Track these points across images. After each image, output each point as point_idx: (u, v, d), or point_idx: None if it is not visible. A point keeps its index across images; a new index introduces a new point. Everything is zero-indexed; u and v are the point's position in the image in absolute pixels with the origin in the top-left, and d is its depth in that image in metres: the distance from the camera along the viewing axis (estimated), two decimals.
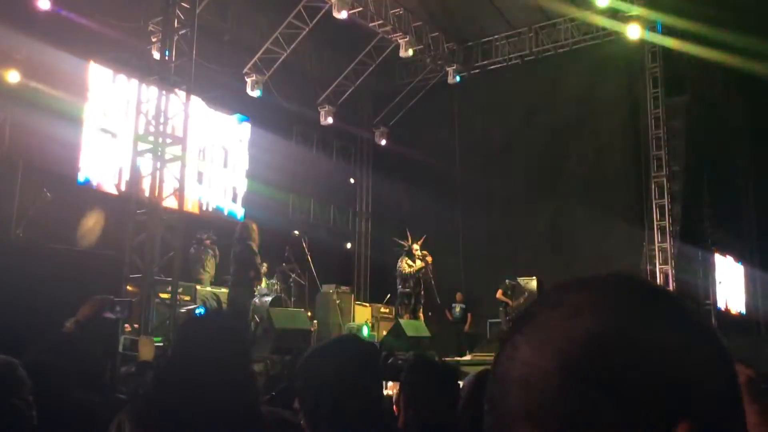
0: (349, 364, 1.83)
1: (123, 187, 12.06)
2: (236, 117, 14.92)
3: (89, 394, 3.35)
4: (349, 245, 18.13)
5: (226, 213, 14.72)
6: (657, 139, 14.41)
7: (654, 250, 14.31)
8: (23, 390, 2.25)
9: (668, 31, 13.86)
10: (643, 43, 14.33)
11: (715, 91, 14.69)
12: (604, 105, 15.16)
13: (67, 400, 3.18)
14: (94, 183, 12.15)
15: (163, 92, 7.83)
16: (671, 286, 14.11)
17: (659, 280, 14.19)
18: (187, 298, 10.16)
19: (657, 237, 14.27)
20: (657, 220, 14.28)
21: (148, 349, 3.80)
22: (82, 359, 3.06)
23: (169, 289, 8.21)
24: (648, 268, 14.47)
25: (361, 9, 13.76)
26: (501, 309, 14.20)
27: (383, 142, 18.06)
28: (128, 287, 7.37)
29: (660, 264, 14.24)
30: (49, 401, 2.87)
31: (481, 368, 8.70)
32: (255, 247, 9.69)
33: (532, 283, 14.48)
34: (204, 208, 14.14)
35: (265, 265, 11.53)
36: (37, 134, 10.39)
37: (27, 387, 2.27)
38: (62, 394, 3.13)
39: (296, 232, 13.17)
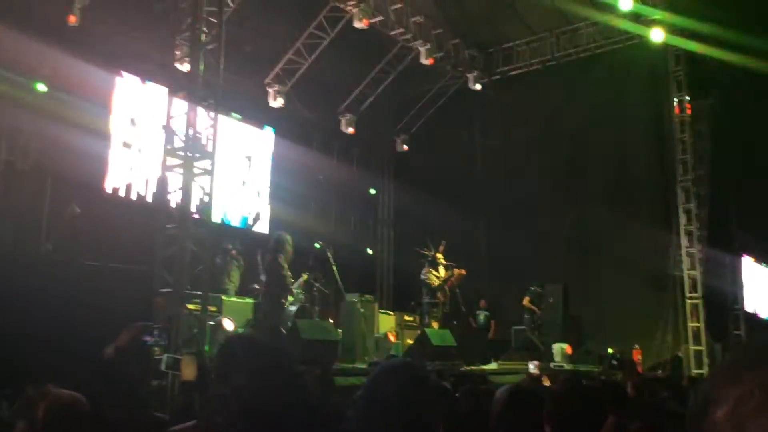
0: (409, 394, 1.82)
1: (150, 200, 12.15)
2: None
3: (125, 415, 3.36)
4: (370, 251, 18.07)
5: (250, 223, 14.75)
6: (682, 143, 14.27)
7: (681, 254, 14.16)
8: (90, 425, 2.28)
9: (692, 34, 13.72)
10: (666, 47, 14.20)
11: (741, 93, 14.50)
12: (628, 109, 15.02)
13: (104, 422, 3.20)
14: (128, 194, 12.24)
15: (192, 107, 7.87)
16: (699, 291, 13.97)
17: (687, 285, 14.05)
18: (213, 308, 10.18)
19: (684, 242, 14.12)
20: (684, 225, 14.13)
21: (190, 369, 3.81)
22: (120, 384, 3.08)
23: (197, 300, 8.25)
24: (676, 273, 14.34)
25: (381, 18, 13.78)
26: (526, 317, 14.11)
27: (404, 150, 18.04)
28: (157, 301, 7.40)
29: (688, 269, 14.08)
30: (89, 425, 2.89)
31: (509, 380, 8.59)
32: (283, 261, 9.74)
33: (557, 289, 14.40)
34: (229, 220, 14.19)
35: (304, 275, 11.58)
36: (65, 147, 10.47)
37: (90, 423, 2.29)
38: (99, 417, 3.15)
39: (319, 243, 13.19)
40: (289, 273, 10.08)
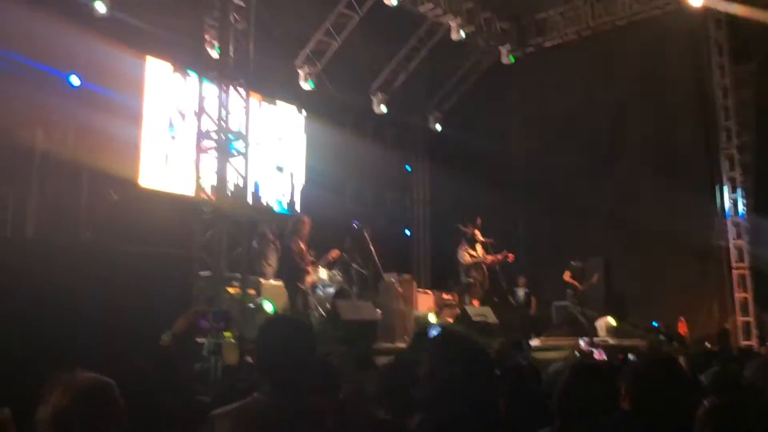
0: (474, 374, 1.72)
1: (185, 186, 12.17)
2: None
3: (171, 398, 3.32)
4: (408, 232, 17.98)
5: (284, 206, 14.76)
6: (725, 110, 13.85)
7: (726, 224, 13.80)
8: (117, 414, 2.16)
9: None
10: (706, 11, 13.74)
11: None
12: (668, 77, 14.61)
13: (153, 406, 3.15)
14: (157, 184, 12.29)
15: (224, 89, 7.80)
16: (746, 261, 13.62)
17: (733, 255, 13.70)
18: (252, 291, 10.20)
19: (730, 211, 13.74)
20: (729, 194, 13.76)
21: (233, 353, 3.76)
22: (175, 370, 3.02)
23: (235, 283, 8.24)
24: (721, 243, 13.98)
25: None
26: (569, 292, 13.90)
27: (438, 128, 17.81)
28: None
29: (734, 239, 13.73)
30: (137, 409, 2.83)
31: (552, 357, 8.37)
32: (296, 244, 9.78)
33: (599, 264, 14.16)
34: (264, 203, 14.18)
35: (335, 251, 11.54)
36: (100, 136, 10.54)
37: (121, 411, 2.17)
38: (150, 402, 3.10)
39: (356, 223, 13.11)
40: (308, 255, 10.16)
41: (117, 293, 5.70)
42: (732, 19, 13.70)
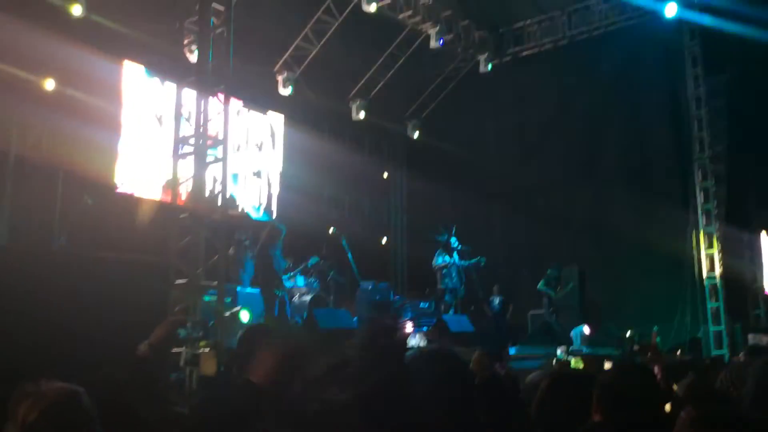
0: (449, 385, 1.72)
1: (161, 192, 12.07)
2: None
3: (148, 409, 3.27)
4: (384, 240, 17.98)
5: (260, 214, 14.69)
6: (699, 120, 14.01)
7: (699, 234, 13.96)
8: (88, 423, 2.10)
9: (706, 8, 13.43)
10: (680, 22, 13.94)
11: (758, 67, 14.22)
12: (643, 87, 14.78)
13: (130, 418, 3.10)
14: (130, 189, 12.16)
15: (202, 94, 7.74)
16: (718, 271, 13.77)
17: (705, 264, 13.85)
18: (228, 299, 10.11)
19: (702, 220, 13.91)
20: (701, 203, 13.91)
21: (210, 363, 3.71)
22: (153, 381, 2.98)
23: (212, 291, 8.13)
24: (693, 253, 14.13)
25: (389, 1, 13.57)
26: (544, 300, 13.98)
27: (416, 135, 17.85)
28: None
29: (706, 248, 13.88)
30: (114, 421, 2.80)
31: (528, 366, 8.38)
32: (271, 252, 9.77)
33: (574, 273, 14.25)
34: (240, 210, 14.10)
35: (313, 258, 11.52)
36: (75, 142, 10.42)
37: (92, 419, 2.11)
38: (127, 413, 3.05)
39: (332, 229, 13.08)
40: (284, 262, 10.15)
41: (91, 301, 5.62)
42: (706, 30, 13.88)
